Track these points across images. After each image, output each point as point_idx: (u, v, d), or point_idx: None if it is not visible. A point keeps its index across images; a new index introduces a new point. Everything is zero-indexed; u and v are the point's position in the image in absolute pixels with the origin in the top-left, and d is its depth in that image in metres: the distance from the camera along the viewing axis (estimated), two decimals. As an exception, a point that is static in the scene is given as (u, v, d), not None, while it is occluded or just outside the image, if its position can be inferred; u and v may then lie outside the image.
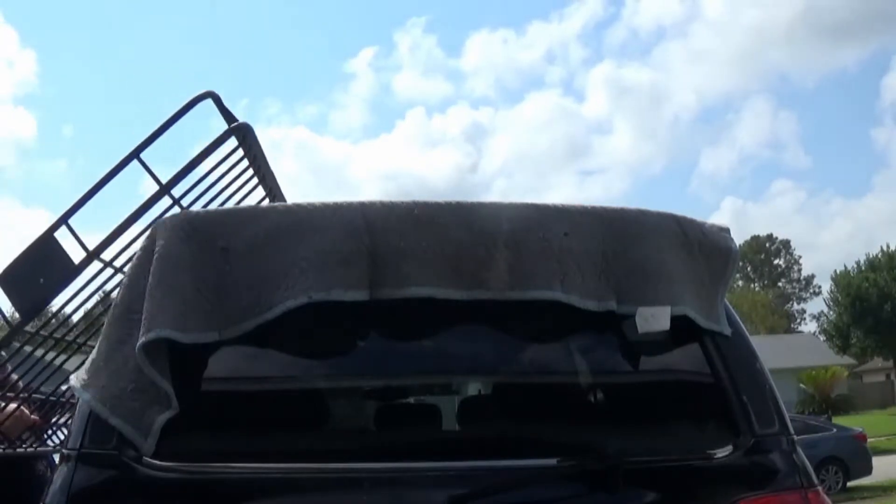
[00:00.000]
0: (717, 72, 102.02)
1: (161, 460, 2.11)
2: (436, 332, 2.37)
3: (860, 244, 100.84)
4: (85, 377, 2.21)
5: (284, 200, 3.93)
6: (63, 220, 2.85)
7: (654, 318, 2.24)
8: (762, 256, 79.56)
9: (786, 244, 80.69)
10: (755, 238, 79.52)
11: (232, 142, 3.08)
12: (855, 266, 50.88)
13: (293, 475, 2.14)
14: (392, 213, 2.23)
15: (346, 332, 2.31)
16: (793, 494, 2.22)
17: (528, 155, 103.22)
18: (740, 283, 73.49)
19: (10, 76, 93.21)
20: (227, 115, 3.07)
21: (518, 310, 2.25)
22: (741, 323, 2.45)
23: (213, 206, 3.34)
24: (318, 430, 2.45)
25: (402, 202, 2.28)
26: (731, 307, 2.45)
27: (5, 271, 2.84)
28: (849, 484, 15.82)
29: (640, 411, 2.47)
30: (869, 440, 17.03)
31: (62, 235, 2.87)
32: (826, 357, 45.42)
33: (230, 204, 3.51)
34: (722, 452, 2.25)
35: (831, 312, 51.50)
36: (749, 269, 77.73)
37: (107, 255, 2.92)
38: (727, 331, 2.37)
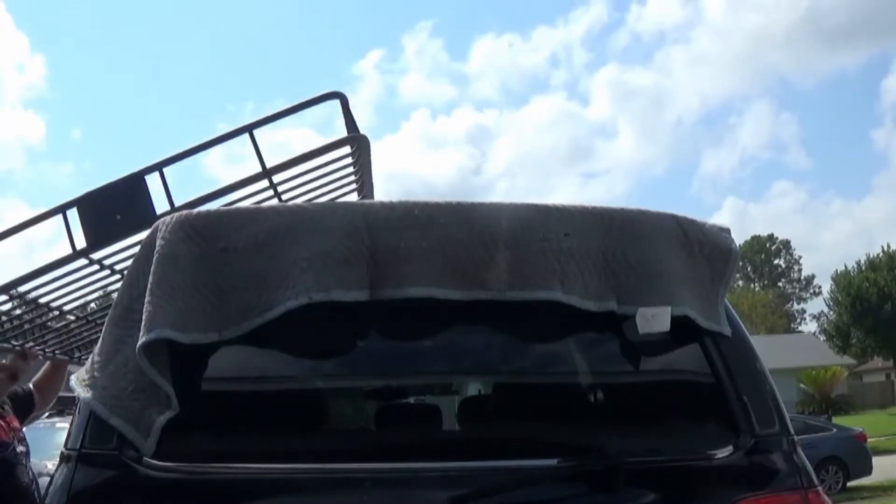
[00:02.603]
0: (720, 75, 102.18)
1: (161, 460, 2.11)
2: (436, 333, 2.37)
3: (860, 245, 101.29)
4: (85, 377, 2.22)
5: None
6: (158, 166, 2.84)
7: (655, 319, 2.23)
8: (762, 256, 79.48)
9: (786, 244, 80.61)
10: (755, 238, 79.41)
11: (346, 147, 3.12)
12: (855, 266, 50.85)
13: (293, 475, 2.14)
14: (392, 214, 2.22)
15: (346, 332, 2.31)
16: (793, 495, 2.22)
17: (532, 157, 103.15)
18: (740, 283, 73.39)
19: (20, 80, 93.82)
20: (350, 120, 3.08)
21: (518, 310, 2.25)
22: (741, 323, 2.45)
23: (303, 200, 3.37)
24: (319, 430, 2.45)
25: (403, 202, 2.28)
26: (731, 307, 2.45)
27: (86, 196, 2.82)
28: (849, 484, 15.80)
29: (640, 411, 2.47)
30: (869, 440, 17.00)
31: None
32: (826, 357, 45.33)
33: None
34: (722, 453, 2.25)
35: (831, 312, 51.46)
36: (749, 269, 77.63)
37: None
38: (727, 331, 2.36)
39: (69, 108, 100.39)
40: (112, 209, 2.80)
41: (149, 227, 2.91)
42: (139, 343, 2.09)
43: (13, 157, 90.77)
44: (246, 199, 3.12)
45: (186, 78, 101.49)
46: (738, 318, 2.44)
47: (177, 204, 2.83)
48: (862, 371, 53.78)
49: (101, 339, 2.27)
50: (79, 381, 2.23)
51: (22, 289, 3.22)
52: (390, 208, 2.26)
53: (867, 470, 15.89)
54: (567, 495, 2.17)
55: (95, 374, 2.19)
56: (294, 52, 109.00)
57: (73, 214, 2.88)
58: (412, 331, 2.36)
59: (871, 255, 51.15)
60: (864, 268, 50.21)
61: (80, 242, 2.90)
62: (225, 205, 2.97)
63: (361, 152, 3.21)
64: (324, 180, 3.42)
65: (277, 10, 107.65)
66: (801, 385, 34.90)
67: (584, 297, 2.25)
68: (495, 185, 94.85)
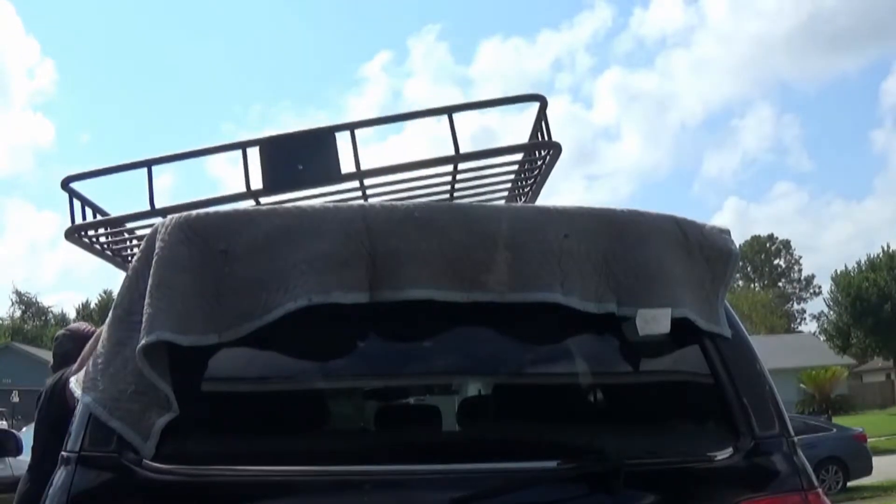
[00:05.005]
0: (722, 79, 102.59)
1: (161, 463, 2.11)
2: (436, 334, 2.36)
3: (860, 245, 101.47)
4: (85, 380, 2.21)
5: None
6: (351, 126, 2.79)
7: (655, 321, 2.23)
8: (762, 256, 79.50)
9: (786, 244, 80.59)
10: (756, 238, 79.44)
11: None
12: (855, 266, 50.85)
13: (293, 478, 2.14)
14: (392, 216, 2.22)
15: (346, 334, 2.31)
16: (793, 496, 2.22)
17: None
18: (740, 283, 73.35)
19: (30, 84, 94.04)
20: (546, 125, 3.08)
21: (518, 311, 2.24)
22: (741, 324, 2.45)
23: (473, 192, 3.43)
24: (319, 432, 2.45)
25: (402, 204, 2.28)
26: (731, 308, 2.45)
27: (270, 138, 2.76)
28: (849, 484, 15.79)
29: (640, 413, 2.47)
30: (869, 440, 16.97)
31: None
32: (826, 357, 45.30)
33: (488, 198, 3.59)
34: (722, 454, 2.25)
35: (831, 312, 51.44)
36: (749, 269, 77.63)
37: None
38: (727, 332, 2.36)
39: (78, 112, 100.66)
40: (296, 158, 2.73)
41: (334, 183, 2.84)
42: (139, 345, 2.09)
43: (23, 160, 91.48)
44: (427, 178, 3.16)
45: (193, 80, 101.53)
46: (738, 320, 2.44)
47: (363, 167, 2.82)
48: (862, 371, 53.80)
49: (100, 341, 2.26)
50: (78, 383, 2.23)
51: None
52: (390, 210, 2.26)
53: (867, 470, 15.87)
54: (567, 497, 2.17)
55: (95, 376, 2.19)
56: (302, 54, 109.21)
57: (252, 154, 2.81)
58: (412, 333, 2.35)
59: (872, 256, 51.23)
60: (864, 268, 50.22)
61: (255, 184, 2.84)
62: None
63: (551, 160, 3.21)
64: (498, 178, 3.47)
65: (285, 11, 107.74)
66: (801, 385, 34.83)
67: (583, 298, 2.24)
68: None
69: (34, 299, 70.51)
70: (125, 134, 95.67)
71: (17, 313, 69.06)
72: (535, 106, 3.17)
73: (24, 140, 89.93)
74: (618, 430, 2.41)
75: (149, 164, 2.87)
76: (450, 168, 3.10)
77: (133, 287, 2.22)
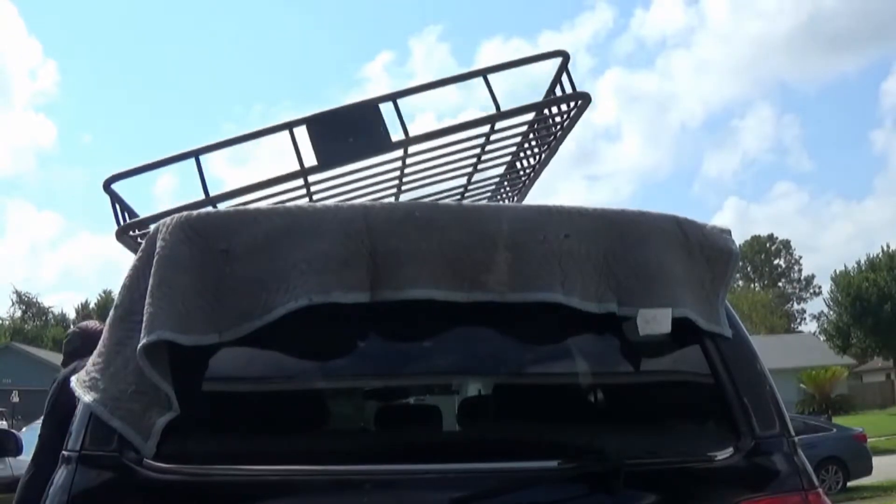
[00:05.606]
0: (722, 80, 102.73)
1: (161, 462, 2.11)
2: (436, 334, 2.36)
3: (860, 246, 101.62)
4: (86, 379, 2.21)
5: (529, 187, 4.07)
6: (393, 96, 2.89)
7: (655, 320, 2.23)
8: (762, 256, 79.50)
9: (786, 244, 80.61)
10: (756, 238, 79.46)
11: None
12: (855, 266, 50.84)
13: (294, 477, 2.14)
14: (393, 215, 2.23)
15: (346, 334, 2.31)
16: (793, 496, 2.22)
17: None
18: (740, 283, 73.32)
19: (32, 85, 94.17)
20: (569, 78, 3.14)
21: (518, 311, 2.25)
22: (742, 324, 2.45)
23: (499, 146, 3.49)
24: (319, 431, 2.45)
25: (403, 204, 2.28)
26: (731, 308, 2.45)
27: (317, 115, 2.84)
28: (849, 484, 15.79)
29: (640, 413, 2.47)
30: (869, 440, 16.98)
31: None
32: (826, 357, 45.28)
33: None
34: (723, 454, 2.25)
35: (831, 312, 51.44)
36: (749, 269, 77.64)
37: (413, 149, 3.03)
38: (728, 332, 2.36)
39: (80, 113, 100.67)
40: (345, 132, 2.82)
41: (385, 152, 2.92)
42: (140, 344, 2.09)
43: (24, 160, 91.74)
44: (464, 141, 3.24)
45: (195, 80, 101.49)
46: (738, 320, 2.44)
47: (412, 134, 2.91)
48: (862, 371, 53.80)
49: (101, 341, 2.26)
50: (79, 383, 2.23)
51: (235, 201, 3.07)
52: (391, 210, 2.26)
53: (867, 470, 15.88)
54: (567, 497, 2.17)
55: (96, 375, 2.19)
56: (303, 53, 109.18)
57: (300, 133, 2.87)
58: (412, 332, 2.35)
59: (871, 256, 51.21)
60: (864, 268, 50.20)
61: (308, 161, 2.87)
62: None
63: (577, 112, 3.22)
64: (517, 139, 3.53)
65: (286, 12, 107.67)
66: (801, 385, 34.82)
67: (584, 298, 2.25)
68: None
69: (34, 299, 70.65)
70: (126, 134, 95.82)
71: (18, 313, 69.16)
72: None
73: (25, 141, 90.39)
74: (618, 430, 2.41)
75: (197, 153, 2.90)
76: (486, 129, 3.17)
77: (134, 287, 2.22)
